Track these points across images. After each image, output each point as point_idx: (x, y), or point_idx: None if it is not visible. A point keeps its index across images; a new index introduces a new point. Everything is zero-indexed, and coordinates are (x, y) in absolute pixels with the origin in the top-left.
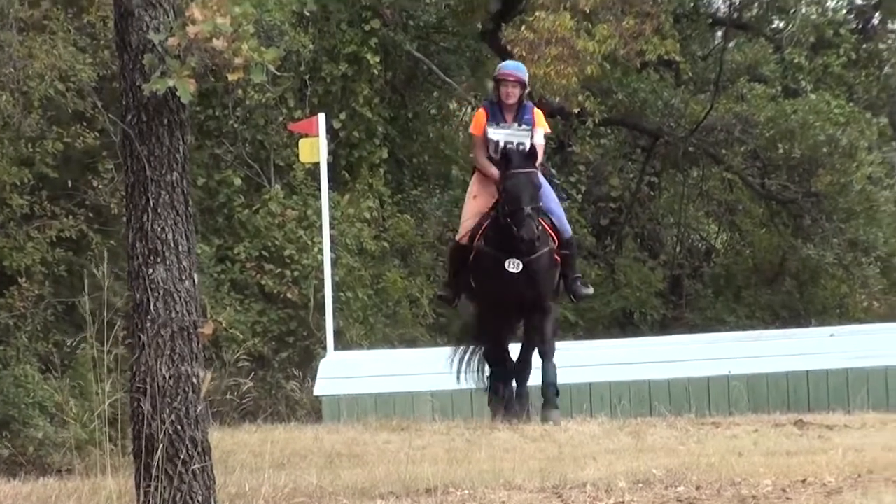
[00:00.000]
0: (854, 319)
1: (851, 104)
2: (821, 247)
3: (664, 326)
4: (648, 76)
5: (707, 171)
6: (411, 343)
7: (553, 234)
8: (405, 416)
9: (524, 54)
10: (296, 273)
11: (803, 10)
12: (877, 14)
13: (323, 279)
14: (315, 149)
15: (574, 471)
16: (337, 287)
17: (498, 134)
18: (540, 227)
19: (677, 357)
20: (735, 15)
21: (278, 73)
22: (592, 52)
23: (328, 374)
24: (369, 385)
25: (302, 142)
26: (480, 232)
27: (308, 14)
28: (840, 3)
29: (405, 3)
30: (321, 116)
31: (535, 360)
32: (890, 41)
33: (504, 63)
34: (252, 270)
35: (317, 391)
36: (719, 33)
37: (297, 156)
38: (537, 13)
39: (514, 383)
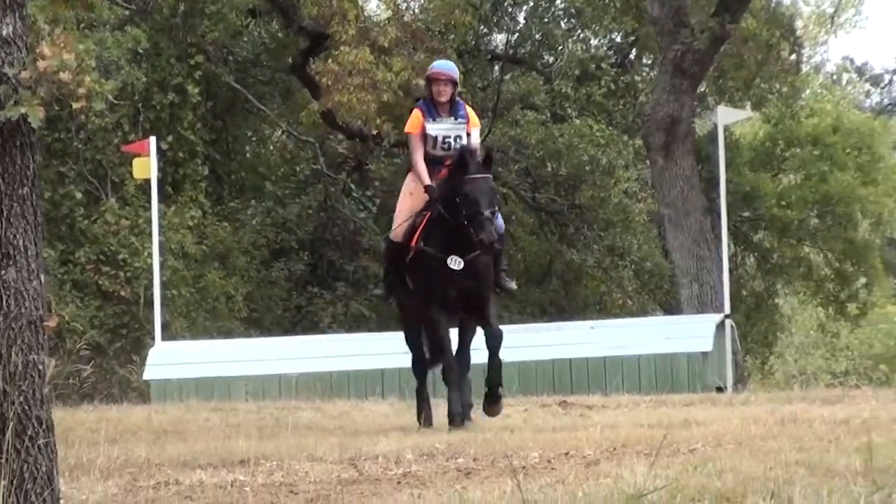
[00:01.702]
0: (611, 314)
1: (611, 128)
2: (583, 252)
3: None
4: None
5: None
6: (228, 334)
7: None
8: (222, 398)
9: (330, 84)
10: (128, 274)
11: (570, 47)
12: (633, 50)
13: (152, 279)
14: (146, 167)
15: (368, 445)
16: (164, 286)
17: (436, 129)
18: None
19: None
20: (511, 51)
21: (115, 102)
22: (389, 82)
23: (156, 362)
24: (192, 371)
25: (135, 161)
26: (419, 231)
27: (141, 51)
28: (601, 41)
29: (225, 40)
30: (152, 139)
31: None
32: (644, 73)
33: (435, 62)
34: (91, 272)
35: (146, 376)
36: (497, 67)
37: (131, 173)
38: (342, 48)
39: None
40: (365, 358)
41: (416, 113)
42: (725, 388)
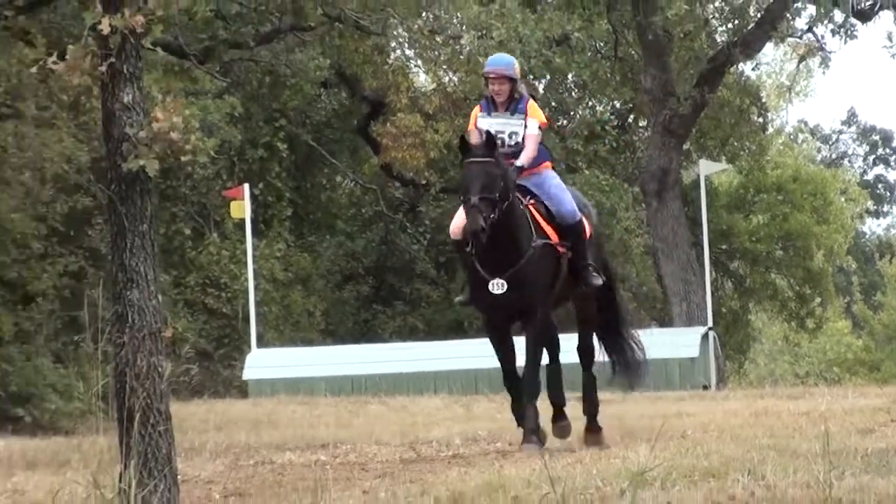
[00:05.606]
0: None
1: (613, 178)
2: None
3: None
4: None
5: None
6: (308, 343)
7: (550, 226)
8: (306, 394)
9: (390, 143)
10: (229, 295)
11: (580, 113)
12: (631, 115)
13: (248, 299)
14: (242, 208)
15: (424, 432)
16: (257, 304)
17: (488, 123)
18: (491, 219)
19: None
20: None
21: (216, 156)
22: (435, 141)
23: (253, 365)
24: (282, 372)
25: (233, 204)
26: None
27: (236, 115)
28: (605, 108)
29: (303, 107)
30: (246, 186)
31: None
32: (640, 133)
33: (490, 58)
34: (198, 293)
35: (245, 376)
36: None
37: (229, 213)
38: (398, 114)
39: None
40: (420, 362)
41: (475, 110)
42: (710, 386)
